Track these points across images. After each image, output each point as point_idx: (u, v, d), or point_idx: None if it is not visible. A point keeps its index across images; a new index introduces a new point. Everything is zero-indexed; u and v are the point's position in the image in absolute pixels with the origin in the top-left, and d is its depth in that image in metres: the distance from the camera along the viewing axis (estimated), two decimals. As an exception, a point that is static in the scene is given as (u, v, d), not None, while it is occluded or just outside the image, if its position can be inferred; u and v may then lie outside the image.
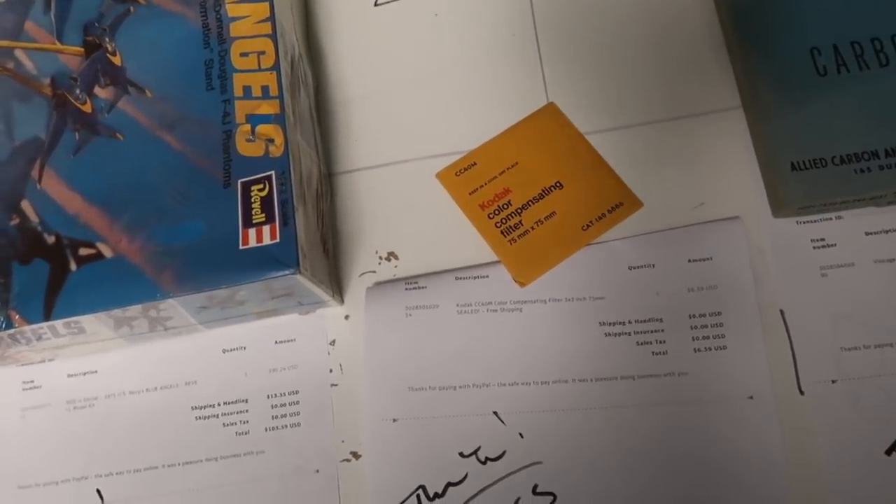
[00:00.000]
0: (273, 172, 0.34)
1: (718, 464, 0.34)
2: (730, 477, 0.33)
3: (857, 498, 0.32)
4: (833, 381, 0.34)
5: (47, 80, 0.38)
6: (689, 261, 0.36)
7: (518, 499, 0.34)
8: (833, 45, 0.37)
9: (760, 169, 0.37)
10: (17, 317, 0.34)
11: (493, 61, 0.42)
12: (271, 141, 0.35)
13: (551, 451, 0.35)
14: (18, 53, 0.39)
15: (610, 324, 0.36)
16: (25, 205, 0.36)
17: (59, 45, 0.38)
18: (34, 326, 0.35)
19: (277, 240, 0.33)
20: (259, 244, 0.33)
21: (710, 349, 0.35)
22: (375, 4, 0.44)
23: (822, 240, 0.36)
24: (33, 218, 0.36)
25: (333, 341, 0.38)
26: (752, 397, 0.34)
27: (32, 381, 0.40)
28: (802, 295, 0.35)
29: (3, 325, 0.34)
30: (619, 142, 0.39)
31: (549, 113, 0.40)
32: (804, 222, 0.36)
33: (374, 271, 0.39)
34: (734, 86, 0.39)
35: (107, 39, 0.38)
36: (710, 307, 0.36)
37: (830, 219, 0.36)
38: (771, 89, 0.37)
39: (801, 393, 0.34)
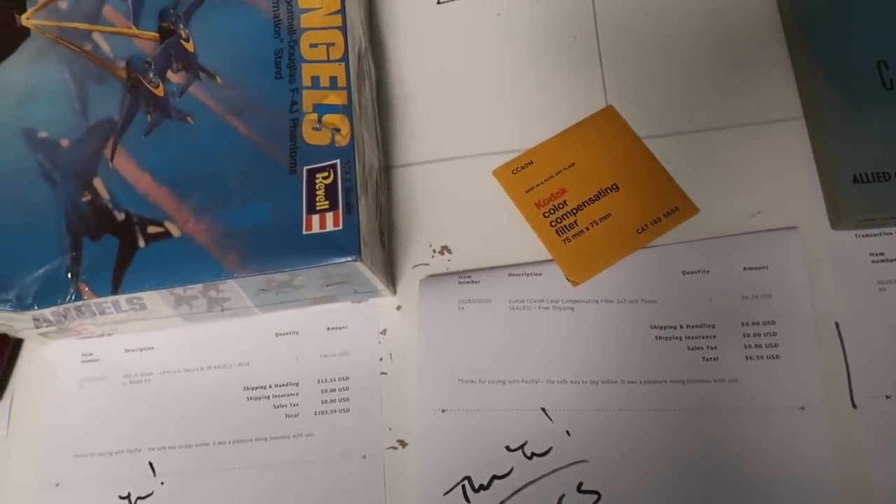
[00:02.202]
0: (338, 161, 0.35)
1: (766, 473, 0.33)
2: (778, 487, 0.33)
3: (909, 515, 0.32)
4: (888, 397, 0.34)
5: (122, 63, 0.39)
6: (745, 268, 0.36)
7: (563, 496, 0.34)
8: (901, 59, 0.36)
9: (820, 180, 0.37)
10: (86, 289, 0.35)
11: (553, 63, 0.42)
12: (337, 130, 0.36)
13: (598, 450, 0.35)
14: (96, 36, 0.40)
15: (661, 327, 0.36)
16: (97, 182, 0.37)
17: (135, 30, 0.40)
18: (100, 300, 0.36)
19: (340, 227, 0.34)
20: (322, 230, 0.34)
21: (763, 357, 0.35)
22: (438, 3, 0.45)
23: (882, 254, 0.36)
24: (105, 195, 0.37)
25: (385, 330, 0.39)
26: (803, 408, 0.34)
27: (92, 354, 0.41)
28: (859, 308, 0.35)
29: (73, 297, 0.35)
30: (677, 147, 0.39)
31: (608, 116, 0.41)
32: (863, 235, 0.36)
33: (428, 264, 0.40)
34: (796, 96, 0.39)
35: (181, 26, 0.39)
36: (764, 316, 0.36)
37: (891, 233, 0.36)
38: (835, 101, 0.36)
39: (854, 406, 0.34)
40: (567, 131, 0.41)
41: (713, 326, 0.36)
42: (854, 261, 0.36)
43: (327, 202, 0.34)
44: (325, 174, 0.35)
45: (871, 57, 0.37)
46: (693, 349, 0.36)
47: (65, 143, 0.38)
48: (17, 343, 0.42)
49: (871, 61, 0.37)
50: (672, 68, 0.41)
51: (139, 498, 0.38)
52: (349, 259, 0.33)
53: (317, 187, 0.35)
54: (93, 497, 0.38)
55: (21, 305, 0.35)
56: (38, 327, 0.38)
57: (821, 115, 0.37)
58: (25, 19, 0.41)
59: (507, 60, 0.43)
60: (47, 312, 0.36)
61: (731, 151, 0.39)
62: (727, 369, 0.35)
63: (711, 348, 0.36)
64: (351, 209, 0.34)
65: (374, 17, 0.45)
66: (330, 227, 0.34)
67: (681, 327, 0.36)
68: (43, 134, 0.39)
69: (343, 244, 0.34)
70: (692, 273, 0.37)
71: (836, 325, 0.35)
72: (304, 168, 0.35)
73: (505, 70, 0.43)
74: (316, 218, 0.34)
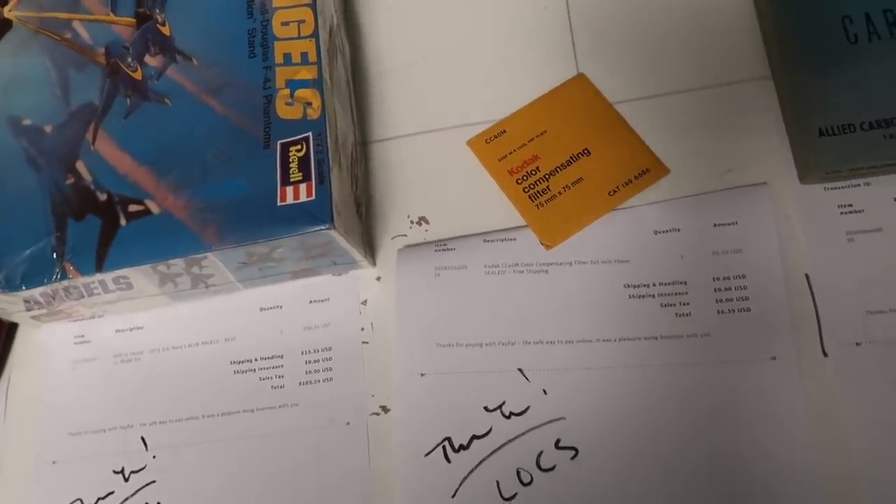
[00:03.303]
0: (310, 134, 0.36)
1: (741, 423, 0.34)
2: (752, 435, 0.34)
3: (881, 457, 0.32)
4: (857, 344, 0.34)
5: (102, 50, 0.40)
6: (715, 225, 0.37)
7: (541, 452, 0.35)
8: (865, 14, 0.37)
9: (788, 136, 0.38)
10: (71, 268, 0.36)
11: (524, 33, 0.43)
12: (309, 104, 0.36)
13: (574, 407, 0.36)
14: (76, 24, 0.41)
15: (634, 286, 0.37)
16: (80, 165, 0.38)
17: (112, 17, 0.41)
18: (86, 280, 0.37)
19: (313, 197, 0.35)
20: (296, 201, 0.35)
21: (734, 311, 0.36)
22: (411, -20, 0.45)
23: (850, 205, 0.36)
24: (87, 177, 0.38)
25: (365, 301, 0.40)
26: (774, 358, 0.35)
27: (83, 336, 0.43)
28: (828, 259, 0.35)
29: (59, 276, 0.36)
30: (647, 110, 0.40)
31: (579, 83, 0.41)
32: (831, 188, 0.37)
33: (406, 235, 0.41)
34: (763, 55, 0.40)
35: (157, 11, 0.40)
36: (735, 270, 0.36)
37: (858, 185, 0.36)
38: (801, 57, 0.37)
39: (825, 355, 0.34)
40: (539, 100, 0.41)
41: (685, 283, 0.36)
42: (823, 213, 0.36)
43: (300, 174, 0.35)
44: (298, 147, 0.36)
45: (836, 12, 0.37)
46: (666, 306, 0.36)
47: (48, 129, 0.39)
48: (12, 328, 0.43)
49: (836, 16, 0.37)
50: (641, 34, 0.41)
51: (132, 472, 0.39)
52: (322, 227, 0.34)
53: (290, 160, 0.36)
54: (88, 472, 0.40)
55: (9, 286, 0.36)
56: (29, 310, 0.40)
57: (787, 71, 0.38)
58: (7, 11, 0.42)
59: (479, 33, 0.43)
60: (37, 293, 0.37)
61: (701, 112, 0.39)
62: (700, 324, 0.36)
63: (684, 304, 0.36)
64: (323, 180, 0.35)
65: (348, -3, 0.46)
66: (303, 198, 0.35)
67: (653, 285, 0.37)
68: (27, 121, 0.40)
69: (316, 213, 0.34)
70: (664, 232, 0.37)
71: (807, 276, 0.36)
72: (278, 142, 0.36)
73: (477, 42, 0.43)
74: (290, 189, 0.35)
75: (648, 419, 0.35)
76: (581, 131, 0.40)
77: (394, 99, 0.43)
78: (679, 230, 0.37)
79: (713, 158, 0.39)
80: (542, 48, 0.42)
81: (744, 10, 0.41)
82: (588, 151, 0.39)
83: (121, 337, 0.42)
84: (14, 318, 0.41)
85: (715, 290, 0.36)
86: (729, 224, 0.37)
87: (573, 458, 0.35)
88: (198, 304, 0.41)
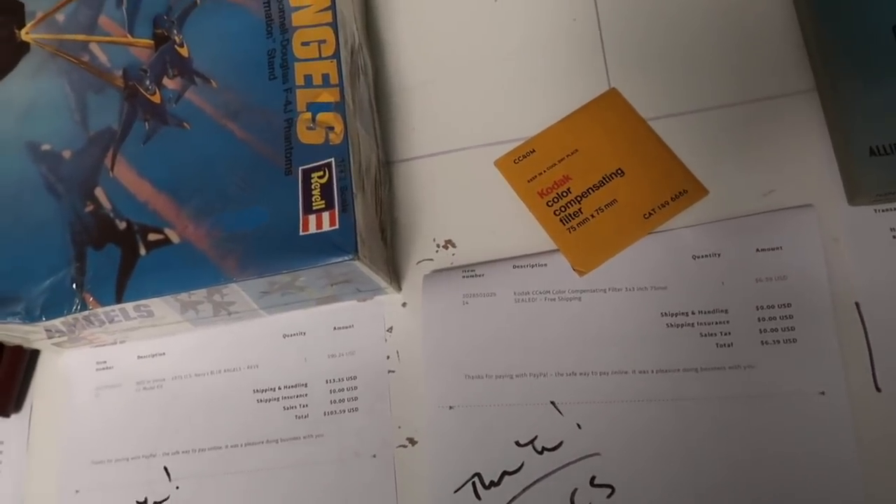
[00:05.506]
0: (333, 160, 0.35)
1: (787, 462, 0.32)
2: (799, 476, 0.32)
3: (939, 501, 0.31)
4: (913, 378, 0.32)
5: (119, 72, 0.39)
6: (758, 250, 0.35)
7: (575, 490, 0.34)
8: (917, 23, 0.35)
9: (836, 154, 0.36)
10: (91, 299, 0.35)
11: (553, 47, 0.41)
12: (331, 128, 0.35)
13: (610, 442, 0.34)
14: (93, 47, 0.40)
15: (672, 314, 0.35)
16: (99, 192, 0.37)
17: (130, 39, 0.40)
18: (106, 309, 0.36)
19: (337, 226, 0.33)
20: (319, 230, 0.34)
21: (779, 342, 0.34)
22: (434, -8, 0.44)
23: (903, 229, 0.34)
24: (106, 205, 0.37)
25: (391, 328, 0.39)
26: (823, 393, 0.33)
27: (105, 362, 0.42)
28: (880, 287, 0.33)
29: (79, 307, 0.36)
30: (683, 127, 0.38)
31: (611, 99, 0.39)
32: (883, 210, 0.35)
33: (432, 259, 0.39)
34: (807, 67, 0.38)
35: (175, 32, 0.39)
36: (780, 298, 0.34)
37: (912, 207, 0.34)
38: (849, 70, 0.35)
39: (878, 390, 0.33)
40: (569, 117, 0.40)
41: (726, 311, 0.35)
42: (873, 237, 0.34)
43: (323, 202, 0.34)
44: (321, 174, 0.35)
45: (886, 22, 0.35)
46: (706, 335, 0.35)
47: (67, 154, 0.38)
48: (34, 354, 0.43)
49: (886, 26, 0.35)
50: (676, 46, 0.40)
51: (155, 502, 0.39)
52: (346, 258, 0.33)
53: (312, 187, 0.34)
54: (111, 503, 0.39)
55: (29, 318, 0.36)
56: (50, 337, 0.39)
57: (834, 86, 0.35)
58: (25, 34, 0.41)
59: (505, 47, 0.42)
60: (57, 322, 0.37)
61: (740, 129, 0.37)
62: (742, 355, 0.34)
63: (725, 334, 0.34)
64: (347, 208, 0.34)
65: (369, 10, 0.44)
66: (326, 227, 0.34)
67: (693, 313, 0.35)
68: (46, 147, 0.39)
69: (340, 243, 0.33)
70: (703, 257, 0.36)
71: (857, 304, 0.34)
72: (300, 168, 0.35)
73: (504, 57, 0.42)
74: (312, 218, 0.34)
75: (688, 456, 0.33)
76: (614, 150, 0.38)
77: (418, 117, 0.42)
78: (719, 255, 0.35)
79: (754, 178, 0.37)
80: (572, 62, 0.41)
81: (785, 19, 0.39)
82: (622, 171, 0.38)
83: (143, 363, 0.41)
84: (35, 346, 0.41)
85: (758, 319, 0.34)
86: (772, 249, 0.35)
87: (609, 496, 0.33)
88: (220, 329, 0.40)
